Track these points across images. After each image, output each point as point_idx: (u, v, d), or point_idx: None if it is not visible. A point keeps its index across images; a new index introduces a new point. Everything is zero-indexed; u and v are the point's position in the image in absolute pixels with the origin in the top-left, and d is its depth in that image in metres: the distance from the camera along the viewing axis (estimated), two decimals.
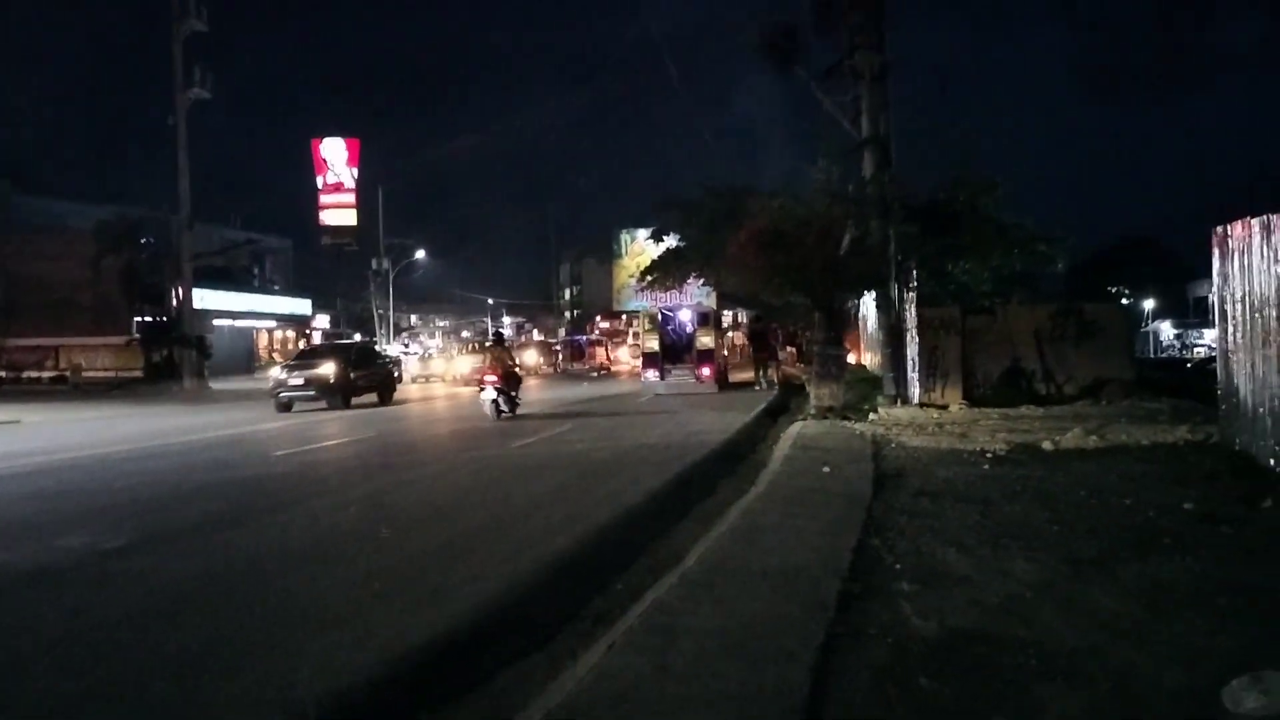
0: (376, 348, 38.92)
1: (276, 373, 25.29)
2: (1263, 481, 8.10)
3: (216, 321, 46.83)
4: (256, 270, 62.29)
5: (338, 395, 23.62)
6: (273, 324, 59.40)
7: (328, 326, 66.04)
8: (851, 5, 16.26)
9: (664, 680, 4.08)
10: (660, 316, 29.64)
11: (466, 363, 41.62)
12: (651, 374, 28.04)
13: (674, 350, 28.80)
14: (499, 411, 18.49)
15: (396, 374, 32.78)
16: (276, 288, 62.77)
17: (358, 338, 51.33)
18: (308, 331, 63.05)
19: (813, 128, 18.69)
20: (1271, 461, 8.45)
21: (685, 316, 29.58)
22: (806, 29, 17.21)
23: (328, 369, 23.86)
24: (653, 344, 29.07)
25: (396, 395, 28.82)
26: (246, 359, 51.63)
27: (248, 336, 54.73)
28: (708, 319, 29.05)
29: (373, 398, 26.02)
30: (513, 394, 18.98)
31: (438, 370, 44.70)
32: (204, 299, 42.77)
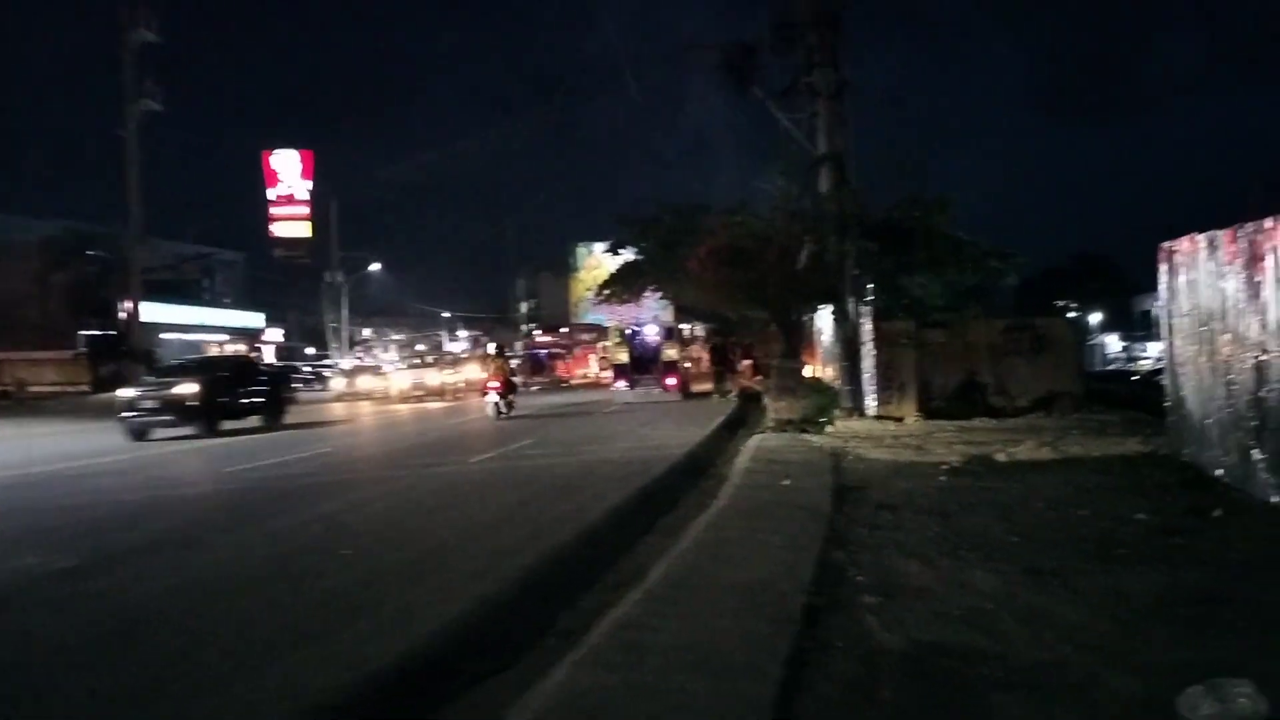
0: (261, 362, 36.53)
1: (127, 392, 21.20)
2: (1211, 492, 8.31)
3: (166, 335, 46.08)
4: (207, 283, 61.35)
5: (201, 419, 19.71)
6: (224, 338, 58.48)
7: (281, 340, 65.22)
8: (809, 25, 16.46)
9: (632, 697, 4.08)
10: (629, 332, 32.36)
11: (408, 378, 38.74)
12: (621, 384, 30.56)
13: (641, 362, 31.31)
14: (499, 412, 22.14)
15: (291, 391, 27.41)
16: (228, 301, 61.83)
17: (240, 350, 48.61)
18: (259, 345, 62.20)
19: (770, 145, 18.91)
20: (1219, 472, 8.65)
21: (651, 332, 32.38)
22: (765, 48, 17.39)
23: (186, 388, 19.84)
24: (622, 357, 31.90)
25: (307, 417, 25.27)
26: None
27: (197, 350, 53.90)
28: (672, 334, 31.87)
29: (258, 420, 22.19)
30: (511, 398, 22.78)
31: (370, 387, 38.91)
32: (153, 313, 42.06)
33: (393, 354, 64.37)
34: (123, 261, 38.38)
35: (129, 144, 35.51)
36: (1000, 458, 11.12)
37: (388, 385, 38.96)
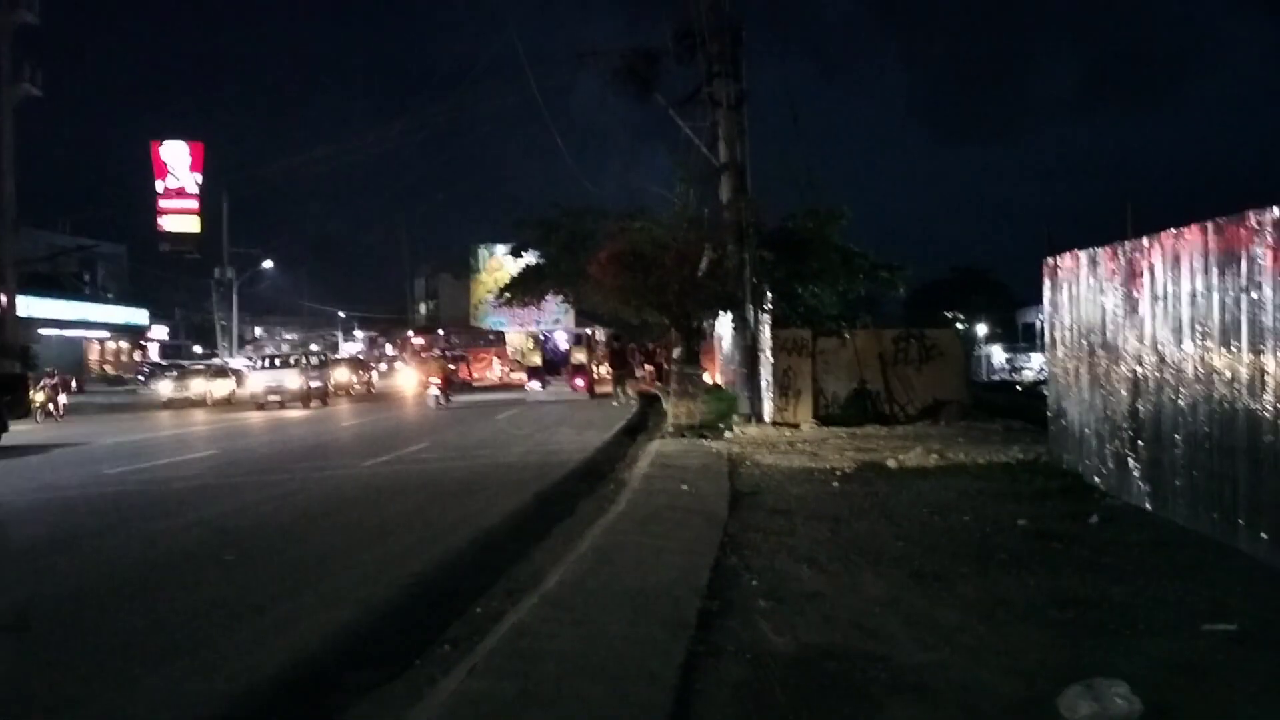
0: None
1: None
2: (1089, 499, 8.67)
3: (44, 331, 43.97)
4: (88, 277, 58.76)
5: None
6: (105, 334, 56.08)
7: (166, 338, 62.89)
8: (711, 35, 16.63)
9: (527, 704, 4.04)
10: (542, 338, 39.01)
11: (262, 380, 31.93)
12: (535, 384, 33.08)
13: (552, 365, 36.50)
14: (438, 402, 27.99)
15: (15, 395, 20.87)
16: (110, 296, 59.30)
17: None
18: (143, 342, 59.84)
19: (671, 151, 19.04)
20: (1097, 480, 9.04)
21: (561, 338, 39.11)
22: (667, 55, 17.50)
23: None
24: (535, 360, 37.83)
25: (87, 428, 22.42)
26: (76, 371, 48.58)
27: (78, 347, 51.54)
28: (581, 340, 37.76)
29: None
30: (448, 392, 28.92)
31: (206, 390, 33.92)
32: (29, 307, 40.05)
33: (286, 350, 62.66)
34: None
35: (3, 130, 33.75)
36: (890, 464, 11.40)
37: (233, 389, 34.70)
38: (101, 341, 55.91)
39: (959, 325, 46.53)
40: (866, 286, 22.26)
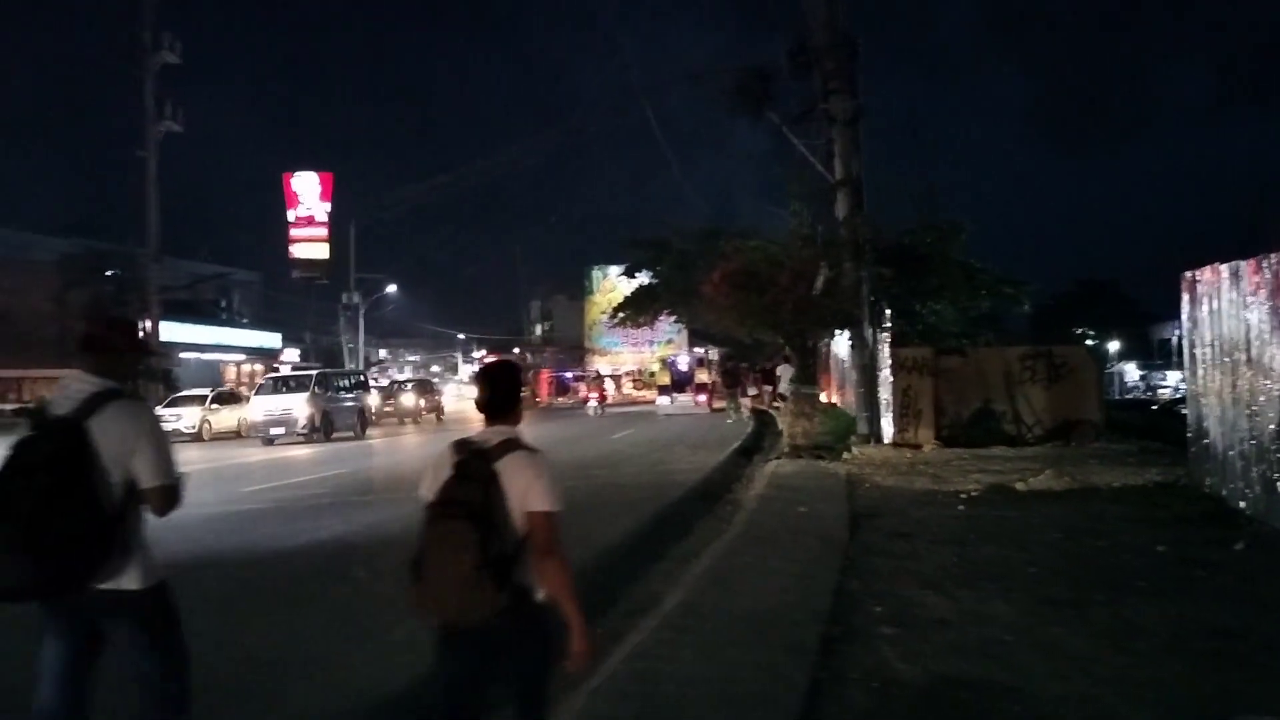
0: None
1: None
2: (1234, 524, 8.20)
3: (184, 355, 46.31)
4: (224, 303, 61.70)
5: None
6: (240, 357, 58.74)
7: (297, 360, 65.50)
8: (826, 52, 16.50)
9: None
10: (669, 361, 45.97)
11: (260, 408, 25.92)
12: (664, 399, 40.15)
13: (679, 384, 41.95)
14: (598, 412, 34.80)
15: None
16: (245, 321, 62.16)
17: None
18: (275, 365, 62.40)
19: (785, 170, 18.92)
20: (1242, 504, 8.54)
21: (684, 361, 45.71)
22: (781, 74, 17.44)
23: None
24: (664, 380, 42.93)
25: None
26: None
27: (215, 370, 54.14)
28: (702, 362, 42.54)
29: None
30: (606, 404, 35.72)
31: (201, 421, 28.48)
32: (171, 332, 42.28)
33: (407, 373, 64.44)
34: (140, 280, 38.63)
35: (148, 164, 35.81)
36: (1018, 487, 11.02)
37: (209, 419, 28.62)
38: (237, 364, 58.53)
39: (1088, 341, 44.76)
40: (989, 303, 21.64)
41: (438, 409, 39.44)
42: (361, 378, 31.55)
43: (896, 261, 17.84)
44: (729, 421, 27.95)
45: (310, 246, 53.37)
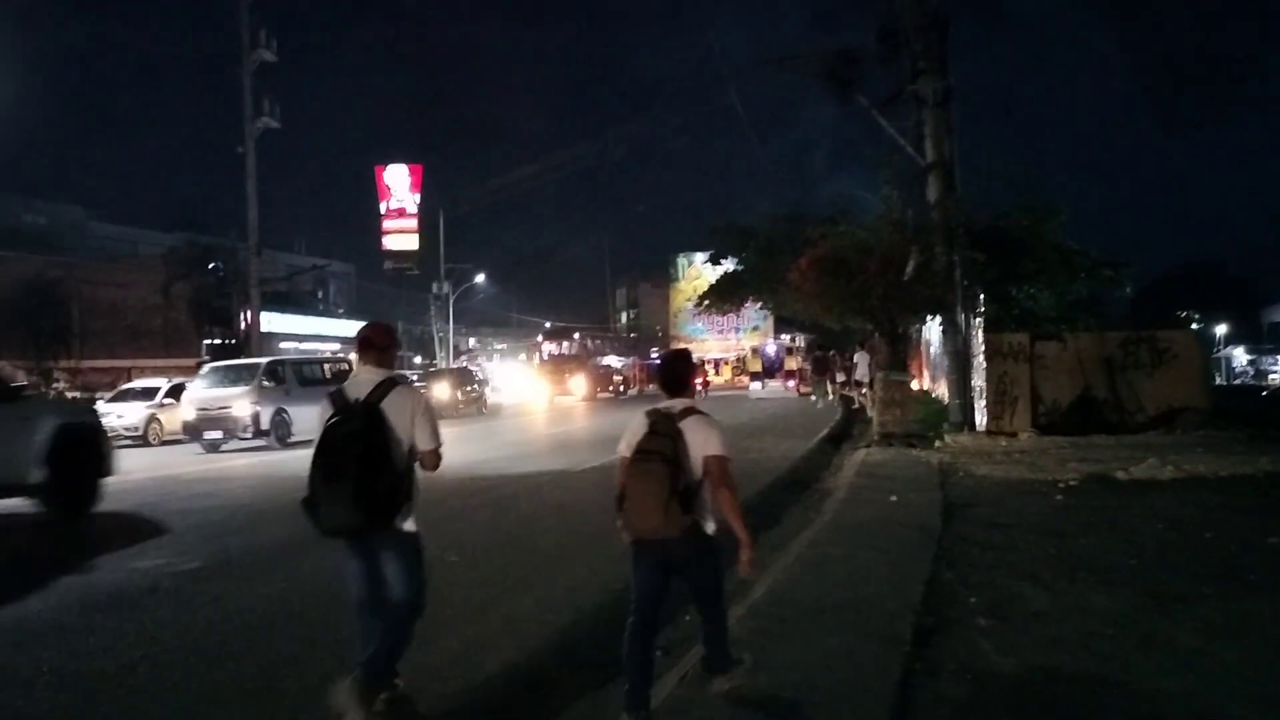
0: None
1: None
2: None
3: (283, 344, 47.77)
4: (320, 294, 63.50)
5: None
6: (336, 347, 60.37)
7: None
8: (915, 31, 16.16)
9: (739, 711, 4.05)
10: (760, 348, 52.63)
11: (194, 400, 20.55)
12: (756, 385, 44.96)
13: (769, 370, 47.25)
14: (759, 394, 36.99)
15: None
16: (340, 311, 63.88)
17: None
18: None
19: (873, 153, 18.61)
20: None
21: (771, 349, 51.82)
22: (869, 56, 17.13)
23: None
24: (756, 367, 48.60)
25: None
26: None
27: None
28: (791, 350, 47.81)
29: None
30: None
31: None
32: (271, 322, 43.62)
33: (495, 362, 65.32)
34: (241, 272, 39.94)
35: (248, 160, 36.93)
36: (1119, 476, 10.69)
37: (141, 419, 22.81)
38: (334, 353, 60.20)
39: (1195, 325, 43.12)
40: (1088, 286, 20.95)
41: (479, 400, 34.32)
42: (346, 366, 23.25)
43: (990, 245, 17.40)
44: (818, 407, 28.64)
45: (401, 238, 54.41)
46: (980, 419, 16.16)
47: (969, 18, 34.51)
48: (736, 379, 58.69)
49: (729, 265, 33.13)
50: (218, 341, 43.04)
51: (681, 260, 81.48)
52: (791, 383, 40.69)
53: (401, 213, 54.10)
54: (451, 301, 55.26)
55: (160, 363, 41.40)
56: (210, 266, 44.00)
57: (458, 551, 8.06)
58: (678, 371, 4.43)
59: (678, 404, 4.23)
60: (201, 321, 44.15)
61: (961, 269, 16.32)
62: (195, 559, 8.02)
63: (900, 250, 16.19)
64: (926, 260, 15.92)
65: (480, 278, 61.01)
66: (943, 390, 20.58)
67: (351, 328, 60.80)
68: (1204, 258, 73.15)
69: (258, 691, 4.76)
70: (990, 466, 12.19)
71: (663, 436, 4.04)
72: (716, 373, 67.62)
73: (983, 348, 16.21)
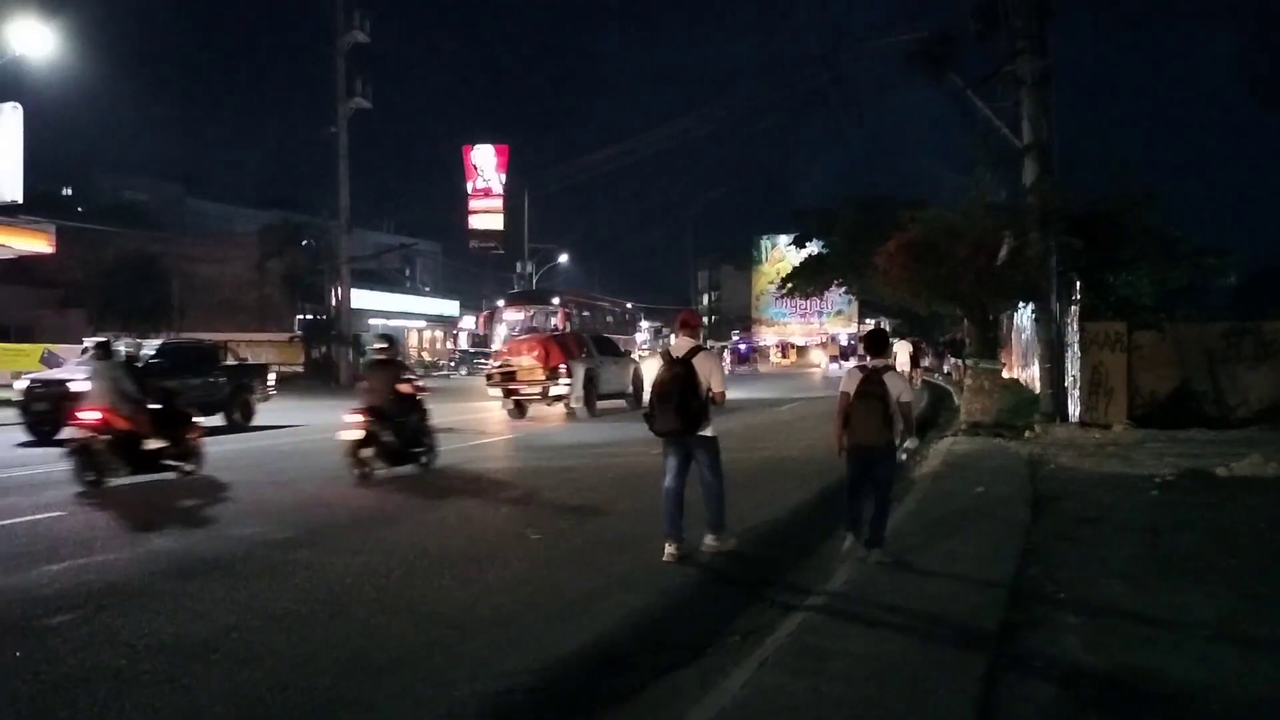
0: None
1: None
2: None
3: (371, 321, 48.82)
4: (408, 272, 64.68)
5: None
6: (422, 324, 61.51)
7: (473, 328, 68.01)
8: (1013, 9, 15.68)
9: (818, 702, 4.02)
10: (834, 336, 67.12)
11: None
12: (834, 365, 53.90)
13: (844, 353, 57.80)
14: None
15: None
16: (427, 289, 65.06)
17: None
18: (454, 332, 64.96)
19: (964, 136, 18.16)
20: None
21: (844, 336, 66.80)
22: (963, 35, 16.69)
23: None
24: (833, 351, 63.17)
25: None
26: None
27: (399, 336, 56.93)
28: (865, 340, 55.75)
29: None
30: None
31: None
32: (360, 299, 44.60)
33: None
34: (331, 250, 40.88)
35: (339, 140, 37.68)
36: (1219, 473, 10.28)
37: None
38: (419, 331, 61.29)
39: None
40: (1189, 275, 20.18)
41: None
42: (247, 362, 22.06)
43: (1087, 231, 16.87)
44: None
45: (487, 218, 55.06)
46: (1073, 410, 15.71)
47: None
48: (796, 361, 75.89)
49: (814, 248, 32.78)
50: (309, 316, 44.19)
51: (765, 242, 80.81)
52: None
53: (488, 192, 54.71)
54: (534, 281, 55.77)
55: (255, 336, 42.73)
56: (303, 244, 45.13)
57: (539, 529, 8.16)
58: (879, 342, 7.07)
59: (879, 363, 6.74)
60: (294, 297, 45.37)
61: (1056, 255, 15.85)
62: (289, 529, 8.26)
63: (993, 235, 15.80)
64: (1020, 245, 15.49)
65: (563, 257, 61.42)
66: (1032, 378, 20.07)
67: (436, 305, 62.07)
68: None
69: (346, 661, 4.88)
70: (1082, 459, 11.85)
71: (875, 384, 6.51)
72: (784, 356, 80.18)
73: (1077, 336, 15.73)
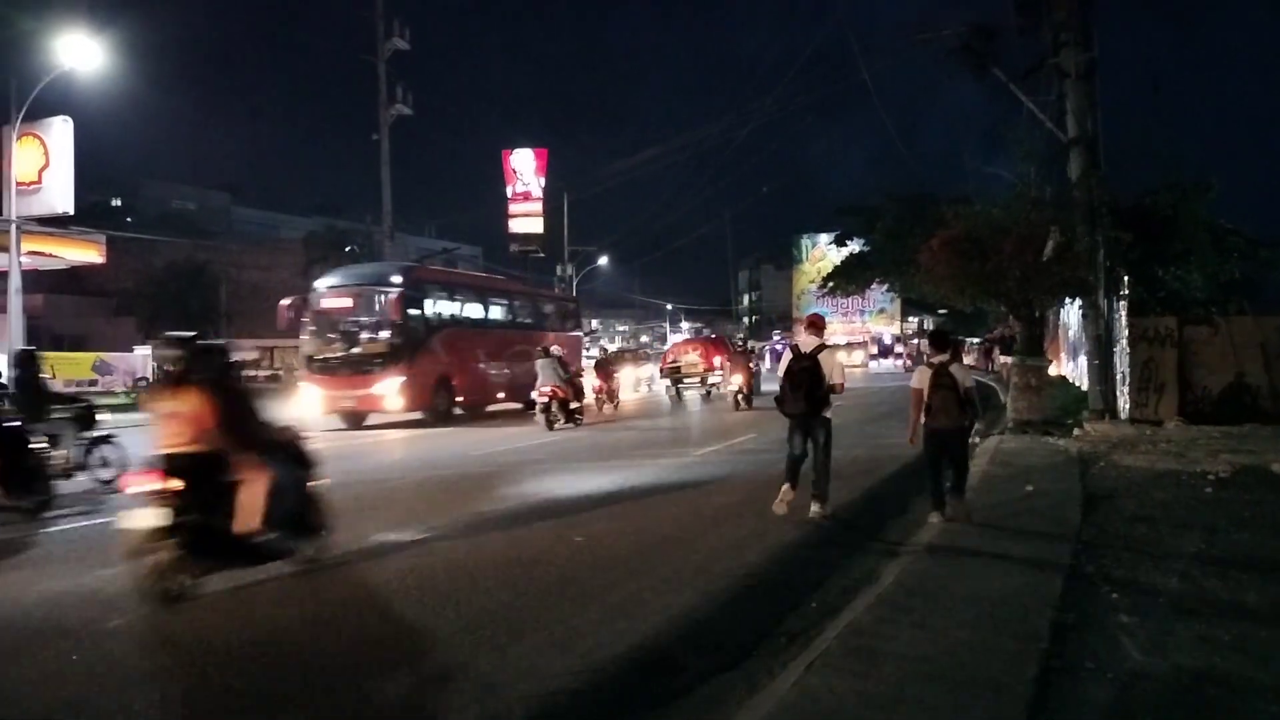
0: None
1: None
2: None
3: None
4: None
5: None
6: None
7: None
8: (1056, 1, 15.45)
9: (866, 705, 3.97)
10: (877, 337, 69.06)
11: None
12: (873, 363, 61.33)
13: (884, 352, 64.77)
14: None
15: None
16: None
17: None
18: None
19: (1012, 129, 17.90)
20: None
21: (887, 338, 69.25)
22: (1006, 28, 16.47)
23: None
24: (874, 349, 65.82)
25: None
26: None
27: None
28: (900, 337, 59.32)
29: None
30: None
31: None
32: None
33: (617, 344, 65.76)
34: (375, 255, 41.26)
35: (382, 147, 38.00)
36: (1276, 469, 10.05)
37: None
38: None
39: None
40: (1242, 268, 19.76)
41: (611, 395, 25.10)
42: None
43: (1135, 224, 16.56)
44: None
45: (527, 221, 55.16)
46: (1122, 406, 15.44)
47: None
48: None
49: (855, 246, 32.48)
50: None
51: (805, 241, 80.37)
52: (909, 361, 51.65)
53: (527, 196, 54.83)
54: (575, 284, 55.88)
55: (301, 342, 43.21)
56: (347, 249, 45.66)
57: (584, 532, 8.17)
58: (946, 340, 8.40)
59: (945, 358, 7.94)
60: None
61: (1105, 250, 15.58)
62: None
63: (1038, 230, 15.54)
64: (1067, 240, 15.23)
65: (603, 260, 61.48)
66: (1080, 374, 19.74)
67: None
68: None
69: (392, 663, 4.91)
70: (1134, 456, 11.63)
71: (945, 375, 7.74)
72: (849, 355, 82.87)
73: (1126, 332, 15.46)
